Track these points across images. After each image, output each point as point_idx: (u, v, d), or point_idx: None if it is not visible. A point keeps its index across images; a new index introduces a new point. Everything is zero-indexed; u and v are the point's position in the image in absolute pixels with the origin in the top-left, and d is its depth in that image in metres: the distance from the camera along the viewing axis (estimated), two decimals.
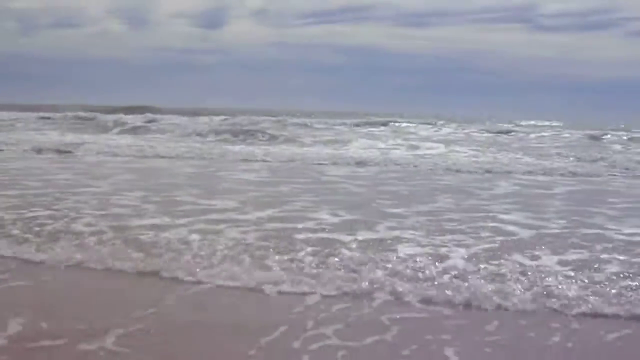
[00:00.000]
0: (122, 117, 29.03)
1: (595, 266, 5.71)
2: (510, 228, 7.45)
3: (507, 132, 26.82)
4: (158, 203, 8.66)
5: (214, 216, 7.80)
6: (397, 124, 30.43)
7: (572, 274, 5.42)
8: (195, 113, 33.36)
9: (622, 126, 26.37)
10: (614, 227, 7.69)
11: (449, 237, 6.83)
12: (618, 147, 21.85)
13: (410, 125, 30.35)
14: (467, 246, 6.41)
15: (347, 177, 12.67)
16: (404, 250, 6.18)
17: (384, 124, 29.95)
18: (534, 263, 5.78)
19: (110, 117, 29.10)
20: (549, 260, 5.89)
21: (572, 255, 6.12)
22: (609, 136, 24.50)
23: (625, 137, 23.93)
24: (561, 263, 5.80)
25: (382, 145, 20.54)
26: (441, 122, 30.36)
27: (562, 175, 14.04)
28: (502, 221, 7.90)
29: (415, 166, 15.16)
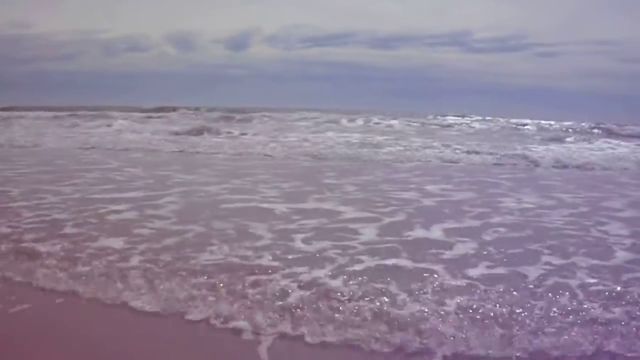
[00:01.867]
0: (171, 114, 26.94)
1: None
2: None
3: (449, 125, 24.69)
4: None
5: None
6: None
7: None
8: (230, 110, 31.25)
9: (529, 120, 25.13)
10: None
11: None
12: (529, 132, 20.85)
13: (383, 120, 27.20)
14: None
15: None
16: None
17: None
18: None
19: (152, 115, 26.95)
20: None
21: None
22: (523, 125, 23.26)
23: (530, 127, 22.75)
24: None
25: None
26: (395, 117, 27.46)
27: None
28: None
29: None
